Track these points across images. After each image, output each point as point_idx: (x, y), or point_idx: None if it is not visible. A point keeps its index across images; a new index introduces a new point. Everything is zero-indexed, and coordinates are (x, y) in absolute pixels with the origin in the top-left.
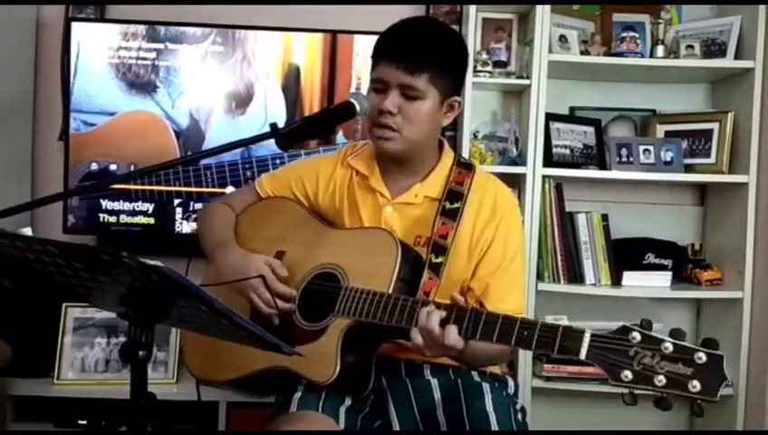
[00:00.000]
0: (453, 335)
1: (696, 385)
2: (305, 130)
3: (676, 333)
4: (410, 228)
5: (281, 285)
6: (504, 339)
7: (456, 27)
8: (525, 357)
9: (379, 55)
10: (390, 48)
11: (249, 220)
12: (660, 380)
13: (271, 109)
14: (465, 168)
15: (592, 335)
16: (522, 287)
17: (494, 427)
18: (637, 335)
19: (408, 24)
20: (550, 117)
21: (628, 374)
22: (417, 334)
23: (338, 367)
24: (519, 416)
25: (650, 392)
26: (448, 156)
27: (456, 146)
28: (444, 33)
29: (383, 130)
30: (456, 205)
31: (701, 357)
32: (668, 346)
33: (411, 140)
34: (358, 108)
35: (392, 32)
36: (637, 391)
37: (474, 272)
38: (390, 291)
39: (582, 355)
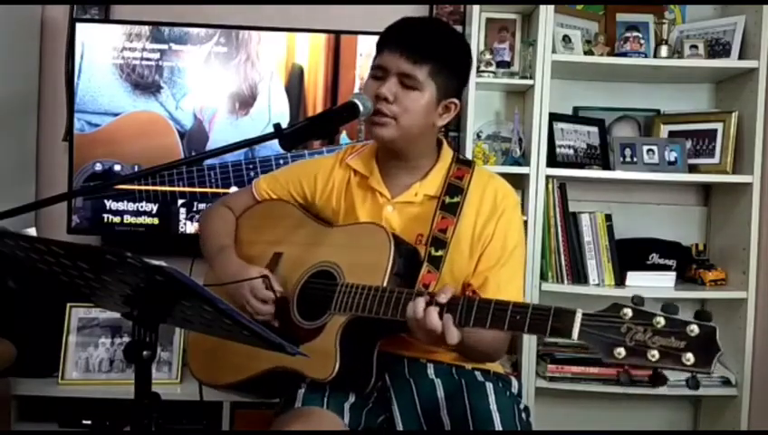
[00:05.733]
0: (449, 325)
1: (689, 358)
2: (308, 131)
3: (668, 308)
4: (411, 227)
5: (268, 293)
6: (496, 324)
7: (459, 27)
8: (529, 357)
9: (383, 43)
10: (397, 36)
11: (248, 224)
12: (653, 354)
13: (274, 109)
14: (464, 164)
15: (584, 315)
16: (520, 282)
17: (498, 426)
18: (628, 311)
19: (418, 19)
20: (553, 117)
21: (621, 351)
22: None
23: (337, 364)
24: (523, 415)
25: (644, 366)
26: (447, 155)
27: (459, 146)
28: (451, 33)
29: (378, 117)
30: (455, 199)
31: (693, 329)
32: (660, 320)
33: (406, 129)
34: (361, 108)
35: (401, 22)
36: (631, 369)
37: (474, 267)
38: (385, 285)
39: (575, 336)
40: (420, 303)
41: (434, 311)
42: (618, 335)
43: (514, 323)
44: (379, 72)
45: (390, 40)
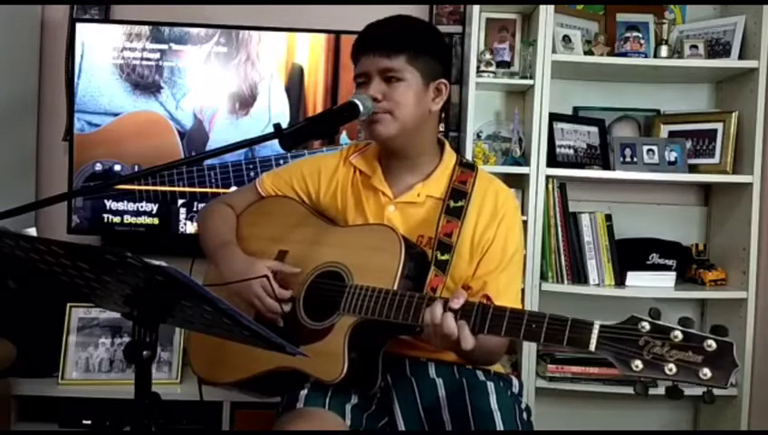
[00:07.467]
0: (465, 330)
1: (706, 373)
2: (308, 131)
3: (685, 322)
4: (413, 228)
5: (280, 291)
6: (512, 332)
7: (459, 27)
8: (529, 357)
9: (356, 53)
10: (365, 41)
11: (250, 220)
12: (671, 368)
13: (274, 109)
14: (467, 167)
15: (601, 326)
16: (519, 286)
17: (499, 426)
18: (646, 325)
19: (379, 20)
20: (553, 117)
21: (638, 364)
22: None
23: (345, 366)
24: (524, 415)
25: (661, 380)
26: (451, 157)
27: (459, 146)
28: (414, 20)
29: (373, 116)
30: (459, 203)
31: (711, 344)
32: (678, 334)
33: (403, 121)
34: (361, 108)
35: (365, 29)
36: (647, 382)
37: (473, 271)
38: (395, 288)
39: (592, 347)
40: (438, 308)
41: (450, 316)
42: (635, 348)
43: (530, 332)
44: (361, 79)
45: (361, 47)
